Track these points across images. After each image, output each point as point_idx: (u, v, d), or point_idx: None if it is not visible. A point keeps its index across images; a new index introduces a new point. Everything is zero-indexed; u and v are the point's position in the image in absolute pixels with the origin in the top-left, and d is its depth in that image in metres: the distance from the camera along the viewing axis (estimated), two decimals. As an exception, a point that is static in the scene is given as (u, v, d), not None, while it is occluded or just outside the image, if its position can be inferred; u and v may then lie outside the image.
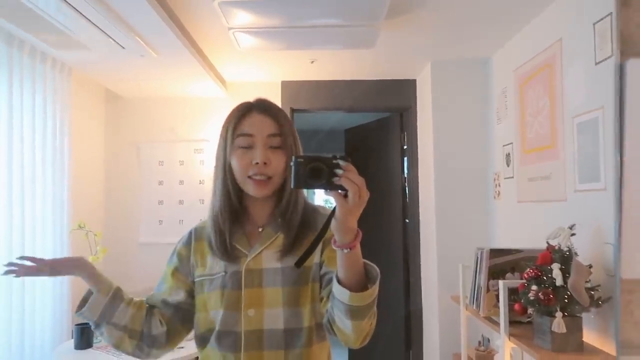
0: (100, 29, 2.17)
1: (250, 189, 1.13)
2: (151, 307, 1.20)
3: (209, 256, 1.17)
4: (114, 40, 2.32)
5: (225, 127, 1.16)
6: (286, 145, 1.15)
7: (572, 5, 2.18)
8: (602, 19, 1.90)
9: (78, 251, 2.84)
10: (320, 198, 7.74)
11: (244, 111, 1.16)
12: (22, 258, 1.10)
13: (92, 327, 1.14)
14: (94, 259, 2.52)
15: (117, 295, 1.14)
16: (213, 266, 1.16)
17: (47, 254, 2.69)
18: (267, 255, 1.13)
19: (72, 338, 2.42)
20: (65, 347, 2.40)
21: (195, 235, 1.23)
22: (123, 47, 2.43)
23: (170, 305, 1.19)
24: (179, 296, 1.19)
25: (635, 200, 0.49)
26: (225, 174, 1.15)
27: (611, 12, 1.84)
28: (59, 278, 2.77)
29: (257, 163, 1.11)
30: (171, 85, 3.26)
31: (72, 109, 2.94)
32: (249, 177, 1.12)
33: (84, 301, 1.13)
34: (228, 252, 1.13)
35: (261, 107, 1.17)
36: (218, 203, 1.16)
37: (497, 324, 2.08)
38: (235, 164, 1.13)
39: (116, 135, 3.63)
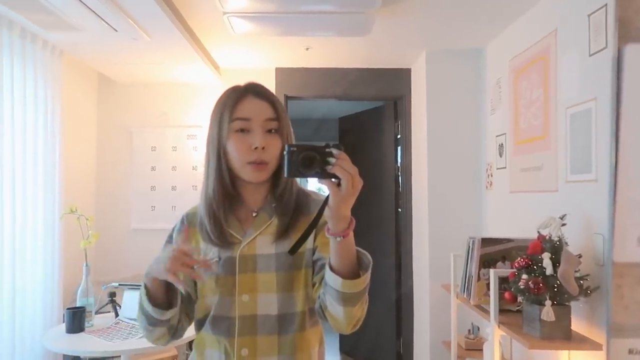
0: (93, 11, 2.14)
1: (248, 175, 1.11)
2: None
3: (201, 242, 1.16)
4: (106, 23, 2.29)
5: (220, 110, 1.14)
6: (282, 130, 1.13)
7: (568, -4, 2.17)
8: (597, 10, 1.90)
9: (70, 236, 2.83)
10: (314, 185, 7.74)
11: (239, 94, 1.13)
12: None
13: (150, 323, 1.11)
14: (86, 244, 2.51)
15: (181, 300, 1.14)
16: (207, 252, 1.15)
17: (38, 239, 2.68)
18: (261, 241, 1.13)
19: (63, 322, 2.41)
20: (57, 331, 2.39)
21: (187, 222, 1.21)
22: (115, 30, 2.39)
23: (191, 298, 1.19)
24: (191, 286, 1.19)
25: (628, 186, 0.49)
26: (220, 158, 1.12)
27: (606, 4, 1.83)
28: (51, 261, 2.76)
29: (256, 148, 1.09)
30: (164, 69, 3.23)
31: (63, 92, 2.91)
32: (248, 163, 1.10)
33: (154, 297, 1.09)
34: (222, 239, 1.12)
35: (256, 90, 1.15)
36: (212, 189, 1.13)
37: (487, 312, 2.11)
38: (232, 149, 1.11)
39: (108, 119, 3.60)
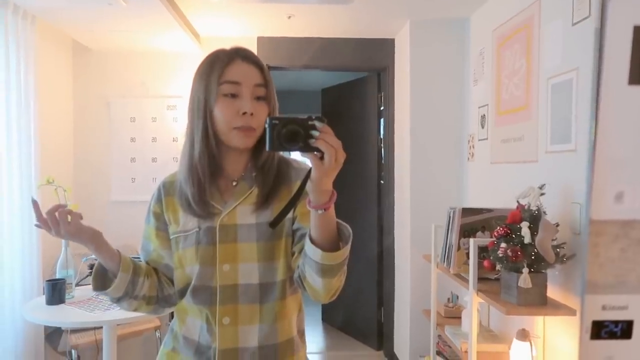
0: (65, -27, 2.06)
1: (235, 140, 1.09)
2: (156, 270, 1.19)
3: (180, 212, 1.14)
4: (80, -13, 2.21)
5: (206, 72, 1.10)
6: (270, 97, 1.11)
7: (552, -36, 2.15)
8: (581, -22, 1.89)
9: (47, 208, 2.78)
10: (297, 153, 7.71)
11: (228, 57, 1.10)
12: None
13: (112, 302, 1.13)
14: (64, 215, 2.47)
15: (136, 271, 1.13)
16: (186, 222, 1.13)
17: (15, 209, 2.63)
18: (241, 211, 1.12)
19: (43, 294, 2.39)
20: (37, 303, 2.38)
21: (164, 191, 1.19)
22: (90, -6, 2.31)
23: (171, 267, 1.18)
24: (167, 252, 1.18)
25: (608, 143, 0.49)
26: (206, 122, 1.09)
27: (591, -29, 1.82)
28: (29, 233, 2.71)
29: (244, 113, 1.07)
30: (142, 37, 3.14)
31: (37, 60, 2.82)
32: (235, 128, 1.08)
33: (100, 277, 1.11)
34: (203, 207, 1.11)
35: (245, 55, 1.11)
36: (198, 152, 1.10)
37: (466, 280, 2.14)
38: (219, 113, 1.08)
39: (85, 89, 3.50)
